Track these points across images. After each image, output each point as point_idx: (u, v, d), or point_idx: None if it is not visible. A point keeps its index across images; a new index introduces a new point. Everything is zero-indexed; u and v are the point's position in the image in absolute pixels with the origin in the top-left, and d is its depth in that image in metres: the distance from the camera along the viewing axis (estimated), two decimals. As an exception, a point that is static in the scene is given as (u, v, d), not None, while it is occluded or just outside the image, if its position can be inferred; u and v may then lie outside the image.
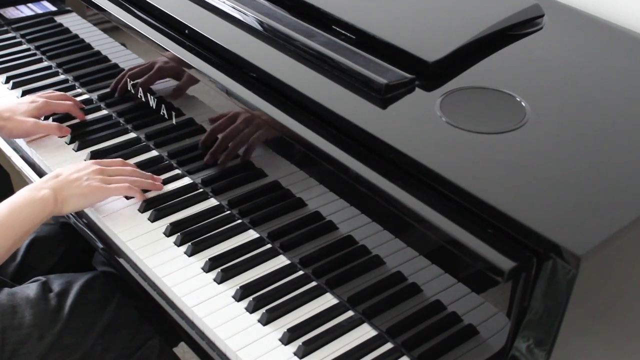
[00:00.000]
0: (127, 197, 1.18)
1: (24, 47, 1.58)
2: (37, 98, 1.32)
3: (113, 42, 1.35)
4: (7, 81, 1.48)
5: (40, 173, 1.28)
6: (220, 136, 1.15)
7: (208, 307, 1.01)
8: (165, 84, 1.24)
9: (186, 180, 1.23)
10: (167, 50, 1.15)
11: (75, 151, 1.30)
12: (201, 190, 1.20)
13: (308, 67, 1.03)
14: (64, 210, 1.09)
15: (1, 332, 1.06)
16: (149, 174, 1.20)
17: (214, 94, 1.12)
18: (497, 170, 0.86)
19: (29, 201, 1.05)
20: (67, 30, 1.51)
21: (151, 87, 1.26)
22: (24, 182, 1.33)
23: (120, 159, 1.22)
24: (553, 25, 1.10)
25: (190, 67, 1.12)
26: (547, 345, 0.80)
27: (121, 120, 1.36)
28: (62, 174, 1.11)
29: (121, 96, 1.35)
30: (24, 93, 1.43)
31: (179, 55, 1.13)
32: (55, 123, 1.32)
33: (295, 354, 0.95)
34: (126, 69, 1.32)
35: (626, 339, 0.98)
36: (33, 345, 1.07)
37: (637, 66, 1.05)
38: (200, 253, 1.09)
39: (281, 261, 1.08)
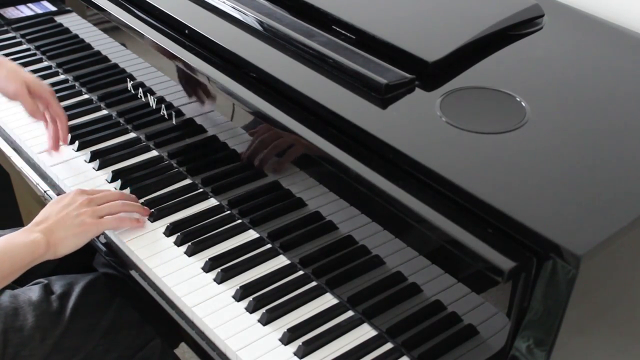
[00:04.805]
0: None
1: (24, 47, 1.58)
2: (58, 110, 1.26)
3: (113, 42, 1.35)
4: (7, 81, 1.48)
5: (42, 174, 1.28)
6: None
7: (208, 307, 1.01)
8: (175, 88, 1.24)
9: (186, 180, 1.23)
10: (167, 50, 1.15)
11: (76, 151, 1.30)
12: (201, 190, 1.20)
13: (308, 67, 1.03)
14: (59, 252, 1.06)
15: (3, 334, 1.06)
16: (133, 196, 1.17)
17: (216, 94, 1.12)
18: (497, 170, 0.86)
19: (21, 241, 1.03)
20: (67, 30, 1.51)
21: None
22: (24, 182, 1.33)
23: (105, 189, 1.17)
24: (553, 25, 1.10)
25: (192, 68, 1.12)
26: (547, 345, 0.80)
27: (121, 120, 1.36)
28: (50, 215, 1.07)
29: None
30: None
31: (179, 55, 1.13)
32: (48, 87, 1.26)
33: (295, 354, 0.95)
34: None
35: (626, 339, 0.98)
36: (35, 347, 1.07)
37: (637, 66, 1.05)
38: (200, 253, 1.09)
39: (281, 261, 1.08)
